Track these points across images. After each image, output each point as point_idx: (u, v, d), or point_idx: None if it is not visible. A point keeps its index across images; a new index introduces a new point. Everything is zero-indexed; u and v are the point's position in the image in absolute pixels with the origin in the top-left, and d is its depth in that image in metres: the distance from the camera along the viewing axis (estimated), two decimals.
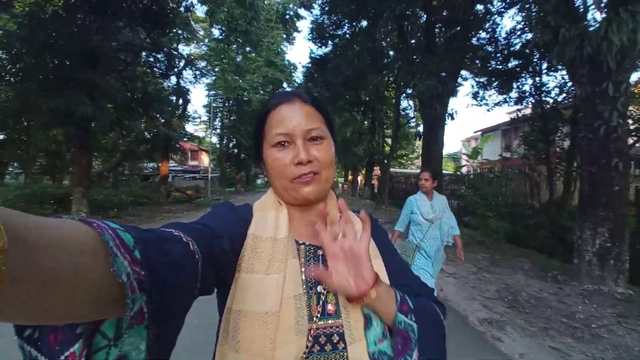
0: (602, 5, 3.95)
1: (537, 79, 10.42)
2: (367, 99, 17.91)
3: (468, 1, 9.08)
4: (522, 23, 9.97)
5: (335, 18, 14.18)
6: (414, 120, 20.49)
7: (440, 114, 8.62)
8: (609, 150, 3.84)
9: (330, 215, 0.53)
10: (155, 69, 13.52)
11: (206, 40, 17.78)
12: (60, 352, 0.28)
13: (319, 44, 15.01)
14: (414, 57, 9.52)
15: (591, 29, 3.82)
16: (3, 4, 7.71)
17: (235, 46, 16.52)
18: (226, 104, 24.43)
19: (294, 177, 0.54)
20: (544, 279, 4.38)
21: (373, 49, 13.26)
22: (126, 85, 12.17)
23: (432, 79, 7.57)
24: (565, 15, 4.21)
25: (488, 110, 14.30)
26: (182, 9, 10.53)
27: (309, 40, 15.17)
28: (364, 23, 13.17)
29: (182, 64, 14.55)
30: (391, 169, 19.88)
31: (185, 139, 15.40)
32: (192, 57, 17.06)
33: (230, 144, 26.54)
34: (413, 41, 10.78)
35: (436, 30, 10.57)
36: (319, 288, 0.53)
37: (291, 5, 22.33)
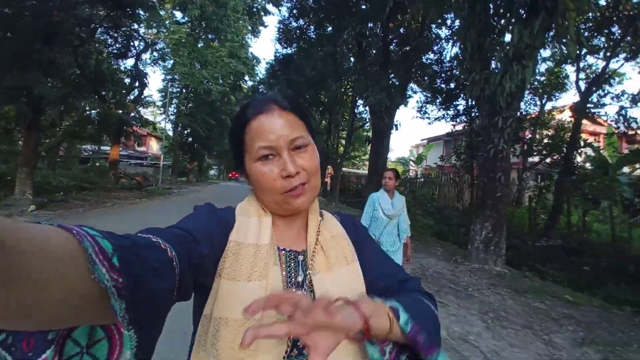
0: (502, 58, 5.33)
1: (469, 101, 12.34)
2: (326, 100, 18.94)
3: (418, 28, 10.53)
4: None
5: (302, 22, 14.90)
6: (368, 124, 22.09)
7: (387, 124, 9.92)
8: (495, 166, 5.25)
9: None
10: (112, 49, 12.99)
11: (167, 23, 17.25)
12: (32, 358, 0.29)
13: (285, 45, 15.60)
14: (369, 70, 10.72)
15: (492, 76, 5.15)
16: None
17: (201, 33, 16.37)
18: (183, 91, 23.70)
19: (284, 191, 0.54)
20: (449, 261, 5.73)
21: (335, 53, 14.29)
22: (78, 61, 11.60)
23: (382, 93, 8.77)
24: (476, 62, 5.56)
25: (429, 124, 16.21)
26: None
27: (276, 41, 15.69)
28: (329, 28, 14.08)
29: (141, 45, 14.13)
30: (343, 169, 21.26)
31: (139, 124, 14.94)
32: (151, 37, 16.52)
33: (185, 132, 25.74)
34: (370, 56, 11.98)
35: (391, 47, 11.92)
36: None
37: (259, 0, 22.48)
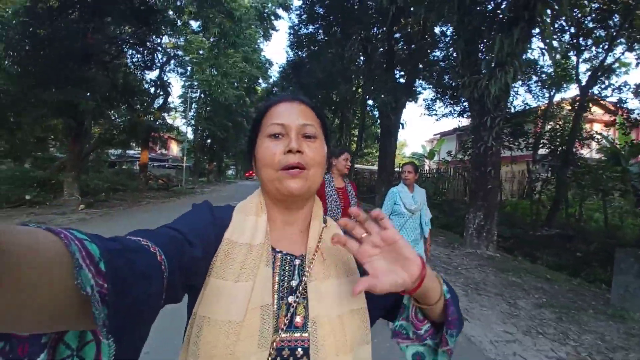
0: (488, 64, 5.92)
1: None
2: (338, 99, 19.63)
3: (421, 30, 11.07)
4: None
5: (312, 28, 15.65)
6: (379, 122, 22.62)
7: (394, 123, 10.56)
8: (485, 161, 5.86)
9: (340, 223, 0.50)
10: (138, 62, 14.22)
11: (186, 35, 18.45)
12: None
13: (296, 51, 16.42)
14: (375, 72, 11.37)
15: (479, 81, 5.76)
16: None
17: (221, 48, 17.54)
18: (202, 96, 25.00)
19: (281, 167, 0.54)
20: (447, 247, 6.40)
21: (343, 56, 14.95)
22: (109, 77, 12.86)
23: (387, 96, 9.42)
24: (466, 67, 6.16)
25: (437, 120, 16.55)
26: (170, 12, 11.47)
27: (288, 47, 16.51)
28: (338, 32, 14.74)
29: (164, 58, 15.31)
30: (357, 165, 21.94)
31: (165, 130, 16.21)
32: (171, 47, 17.76)
33: (204, 134, 27.13)
34: (376, 59, 12.60)
35: (397, 46, 12.48)
36: (290, 299, 0.52)
37: (270, 5, 23.32)
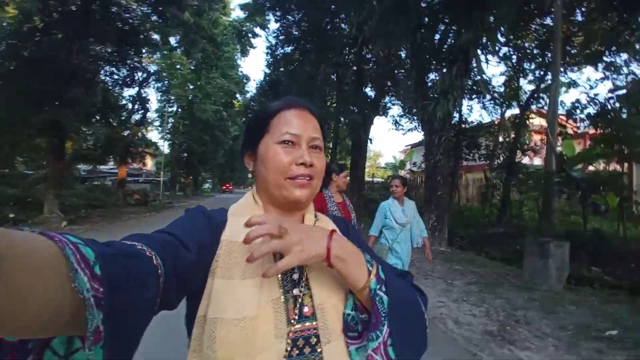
0: (434, 93, 7.14)
1: None
2: None
3: (387, 55, 12.41)
4: None
5: (288, 49, 16.74)
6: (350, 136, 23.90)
7: (363, 139, 11.71)
8: (436, 172, 7.02)
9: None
10: (118, 80, 14.60)
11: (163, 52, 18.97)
12: None
13: (273, 70, 17.43)
14: (347, 93, 12.55)
15: (428, 106, 6.94)
16: None
17: (202, 71, 18.32)
18: (179, 110, 25.28)
19: (290, 176, 0.56)
20: None
21: (317, 76, 16.10)
22: (89, 94, 13.15)
23: (356, 115, 10.54)
24: (420, 93, 7.36)
25: (403, 134, 17.96)
26: (155, 35, 12.11)
27: (266, 67, 17.48)
28: (312, 54, 15.88)
29: (144, 75, 15.76)
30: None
31: (144, 145, 16.48)
32: (149, 62, 18.20)
33: (181, 148, 27.18)
34: (346, 80, 13.84)
35: (368, 66, 13.76)
36: (295, 291, 0.54)
37: (248, 24, 24.34)
